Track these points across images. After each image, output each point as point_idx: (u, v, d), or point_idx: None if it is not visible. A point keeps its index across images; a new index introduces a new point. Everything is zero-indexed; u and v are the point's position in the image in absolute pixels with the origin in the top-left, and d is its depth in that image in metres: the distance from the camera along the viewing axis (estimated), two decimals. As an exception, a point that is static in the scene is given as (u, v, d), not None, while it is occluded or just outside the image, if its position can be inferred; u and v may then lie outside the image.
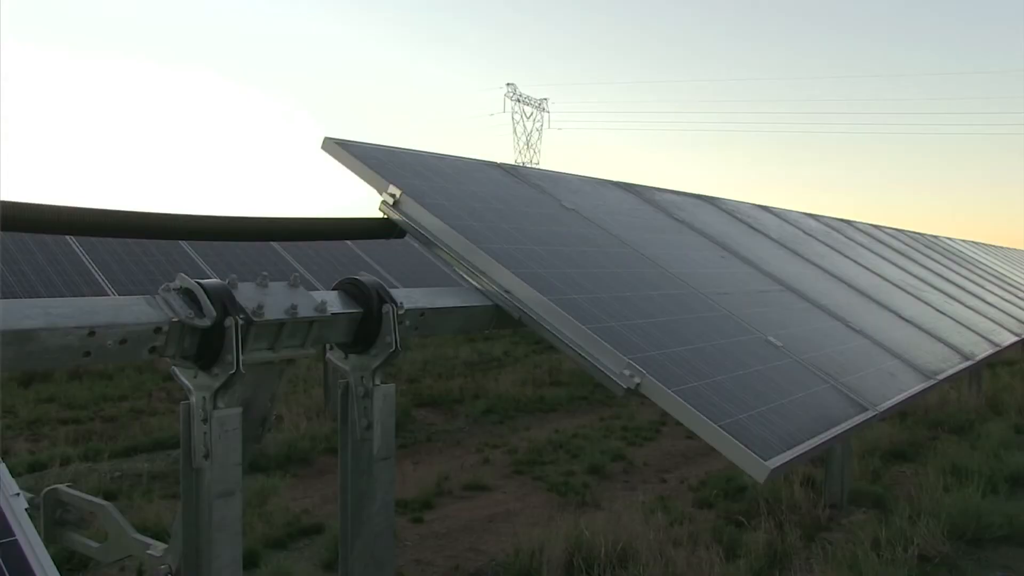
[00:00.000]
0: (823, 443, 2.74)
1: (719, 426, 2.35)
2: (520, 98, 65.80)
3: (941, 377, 4.33)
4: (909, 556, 4.24)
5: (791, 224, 6.81)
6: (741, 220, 5.88)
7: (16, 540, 1.17)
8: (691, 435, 8.41)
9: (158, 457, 6.56)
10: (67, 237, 10.50)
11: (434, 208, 2.81)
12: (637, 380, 2.39)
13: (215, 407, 1.74)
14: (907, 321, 5.35)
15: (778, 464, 2.33)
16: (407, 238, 2.92)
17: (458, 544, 4.81)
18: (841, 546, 4.46)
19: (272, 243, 11.35)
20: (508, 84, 65.45)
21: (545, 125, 67.81)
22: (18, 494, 1.23)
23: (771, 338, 3.47)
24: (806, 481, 5.49)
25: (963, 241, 14.71)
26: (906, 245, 9.70)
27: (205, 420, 1.74)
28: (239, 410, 1.78)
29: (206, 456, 1.73)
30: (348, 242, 12.90)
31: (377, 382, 2.17)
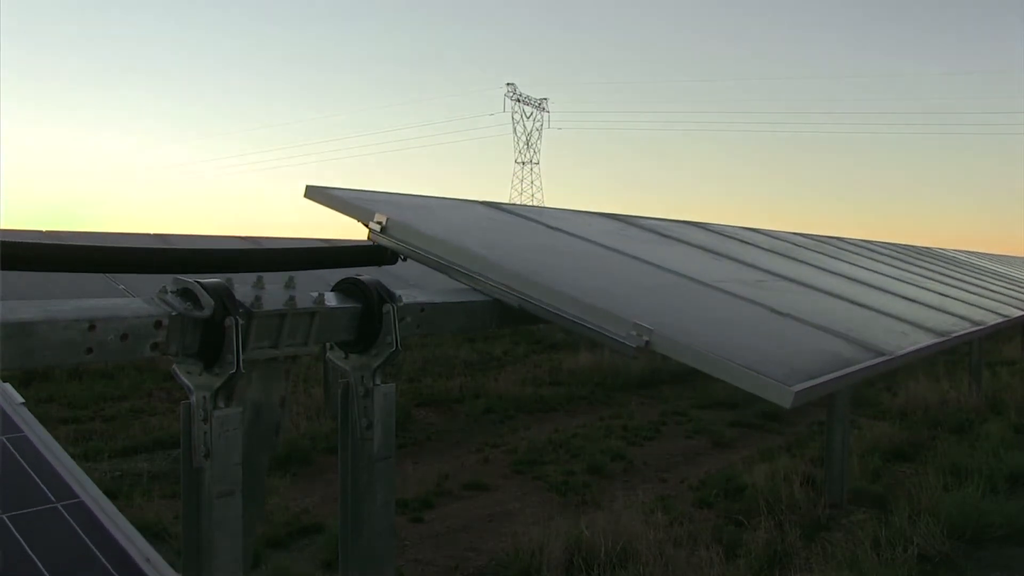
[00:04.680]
0: (846, 375, 2.71)
1: (737, 364, 2.32)
2: (520, 98, 65.91)
3: (954, 335, 4.33)
4: (909, 556, 4.24)
5: (780, 240, 6.92)
6: (731, 237, 5.96)
7: (25, 435, 1.17)
8: (691, 435, 8.36)
9: (158, 457, 6.57)
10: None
11: (424, 228, 2.87)
12: (646, 338, 2.40)
13: (215, 407, 1.74)
14: (912, 300, 5.36)
15: (802, 388, 2.31)
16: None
17: (458, 544, 4.81)
18: (841, 546, 4.46)
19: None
20: (508, 84, 65.67)
21: (545, 125, 68.05)
22: (23, 403, 1.23)
23: (776, 308, 3.45)
24: (806, 481, 5.49)
25: (955, 250, 14.73)
26: (899, 252, 9.79)
27: (205, 419, 1.73)
28: (240, 409, 1.78)
29: (207, 456, 1.73)
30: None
31: (378, 382, 2.16)
